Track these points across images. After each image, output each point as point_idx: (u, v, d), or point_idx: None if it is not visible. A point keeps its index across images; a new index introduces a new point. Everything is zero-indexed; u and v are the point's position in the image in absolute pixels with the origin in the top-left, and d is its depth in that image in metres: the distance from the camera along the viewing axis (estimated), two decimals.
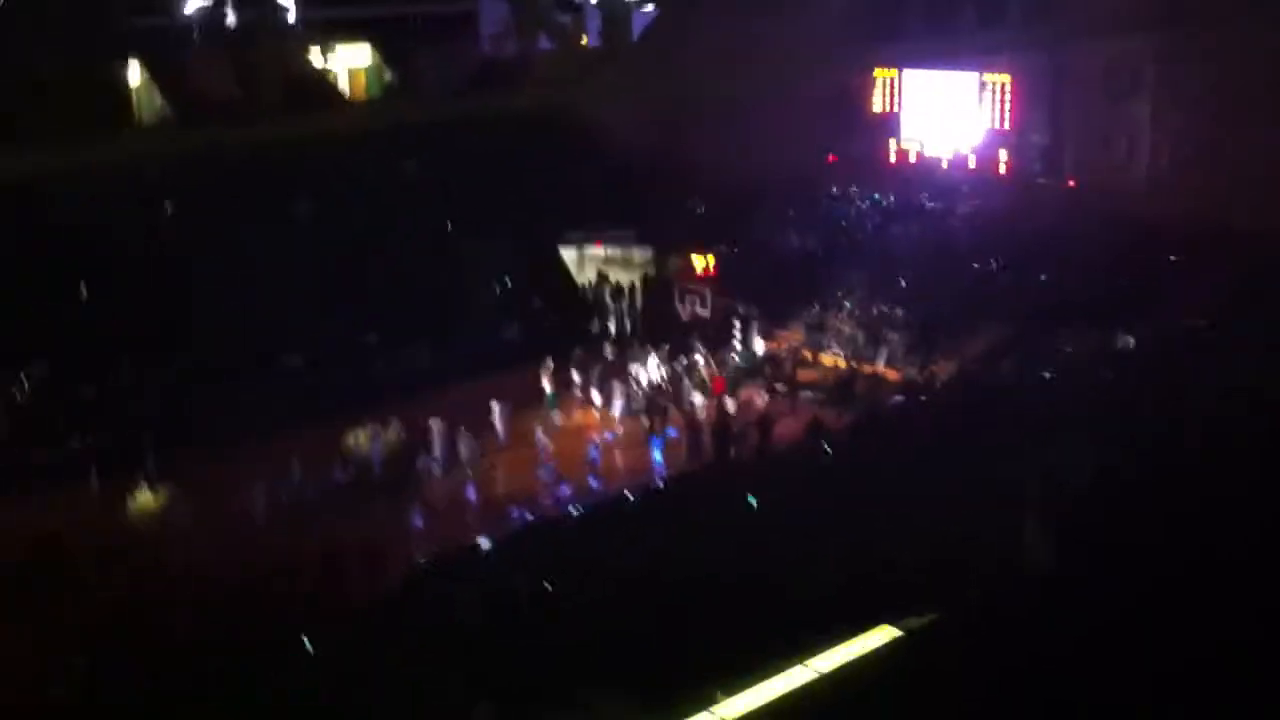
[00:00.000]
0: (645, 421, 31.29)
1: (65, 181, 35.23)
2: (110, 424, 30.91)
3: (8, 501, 27.22)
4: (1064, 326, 34.87)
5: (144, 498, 27.38)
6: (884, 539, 21.82)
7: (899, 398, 31.78)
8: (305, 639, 19.32)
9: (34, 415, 30.93)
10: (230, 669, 19.17)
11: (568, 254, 42.27)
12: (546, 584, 21.67)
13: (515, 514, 26.72)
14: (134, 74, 44.12)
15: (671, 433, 30.63)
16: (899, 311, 36.61)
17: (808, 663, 17.41)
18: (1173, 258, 37.99)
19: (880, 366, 33.86)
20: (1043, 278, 38.35)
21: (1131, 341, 34.05)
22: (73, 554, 24.76)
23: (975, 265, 39.77)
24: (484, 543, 24.66)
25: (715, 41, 46.45)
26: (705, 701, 16.18)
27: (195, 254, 36.10)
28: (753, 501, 25.06)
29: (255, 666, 19.12)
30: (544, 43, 52.60)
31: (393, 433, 30.17)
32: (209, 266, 35.81)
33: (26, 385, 31.38)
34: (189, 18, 46.76)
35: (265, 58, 43.71)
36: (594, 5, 53.55)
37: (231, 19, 46.54)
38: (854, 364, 34.02)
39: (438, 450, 29.74)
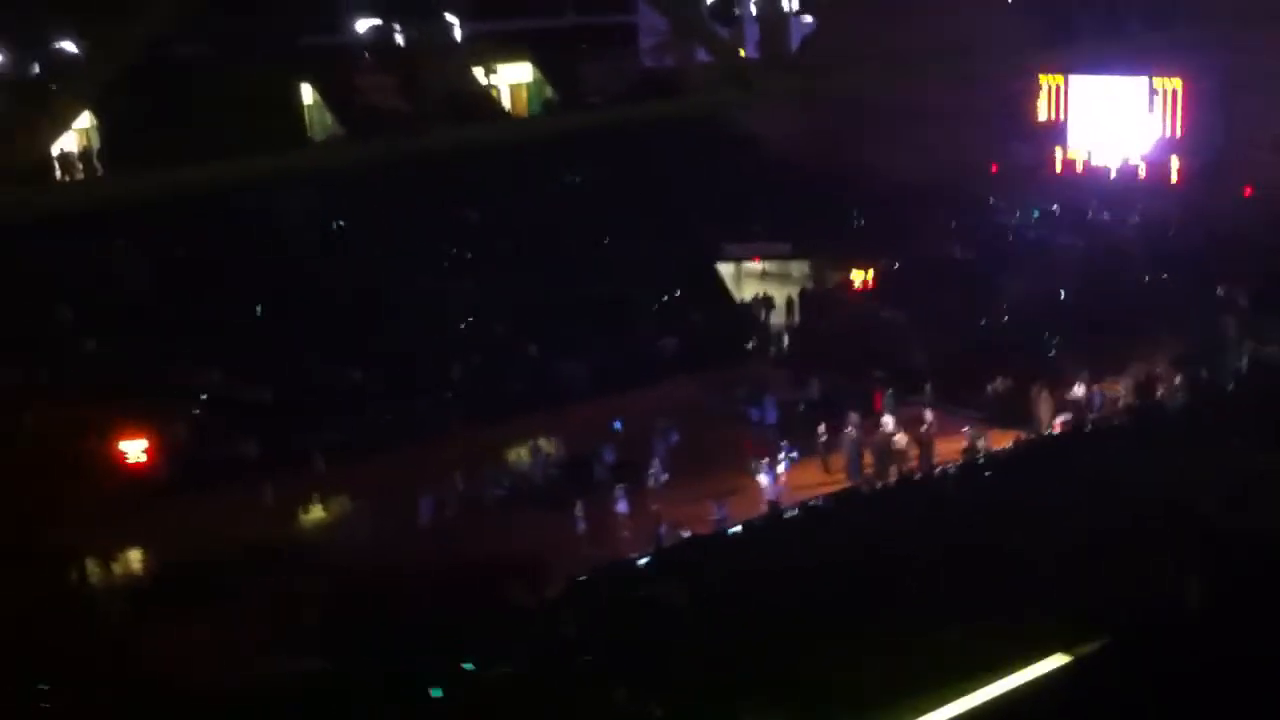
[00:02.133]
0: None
1: (240, 196, 36.48)
2: (283, 427, 31.90)
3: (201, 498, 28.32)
4: (1242, 341, 33.67)
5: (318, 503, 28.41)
6: (1050, 561, 21.35)
7: (1066, 416, 30.95)
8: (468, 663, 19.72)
9: (212, 418, 31.97)
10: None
11: (725, 268, 42.28)
12: (700, 600, 21.71)
13: (669, 529, 26.65)
14: (306, 92, 45.56)
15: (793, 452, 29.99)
16: (1066, 327, 35.68)
17: (976, 690, 17.12)
18: None
19: (1047, 383, 32.98)
20: (1217, 289, 37.01)
21: None
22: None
23: (1147, 278, 38.56)
24: (641, 557, 24.83)
25: (874, 49, 45.98)
26: None
27: (362, 266, 37.14)
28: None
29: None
30: (702, 54, 52.64)
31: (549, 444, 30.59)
32: (376, 278, 36.81)
33: (207, 392, 32.52)
34: (359, 36, 48.10)
35: (432, 74, 44.66)
36: (753, 16, 53.45)
37: (399, 37, 47.71)
38: (1019, 380, 33.17)
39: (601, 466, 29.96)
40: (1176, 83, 43.19)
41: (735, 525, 26.10)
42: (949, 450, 29.98)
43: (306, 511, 28.74)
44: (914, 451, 29.93)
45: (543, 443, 30.80)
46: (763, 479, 28.82)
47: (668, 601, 21.89)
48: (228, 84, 39.43)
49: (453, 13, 48.01)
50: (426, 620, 22.55)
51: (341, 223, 39.64)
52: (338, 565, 25.46)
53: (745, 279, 42.85)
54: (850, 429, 30.83)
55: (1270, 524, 21.92)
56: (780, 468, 29.11)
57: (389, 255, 38.13)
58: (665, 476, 29.15)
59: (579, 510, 27.57)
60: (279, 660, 21.39)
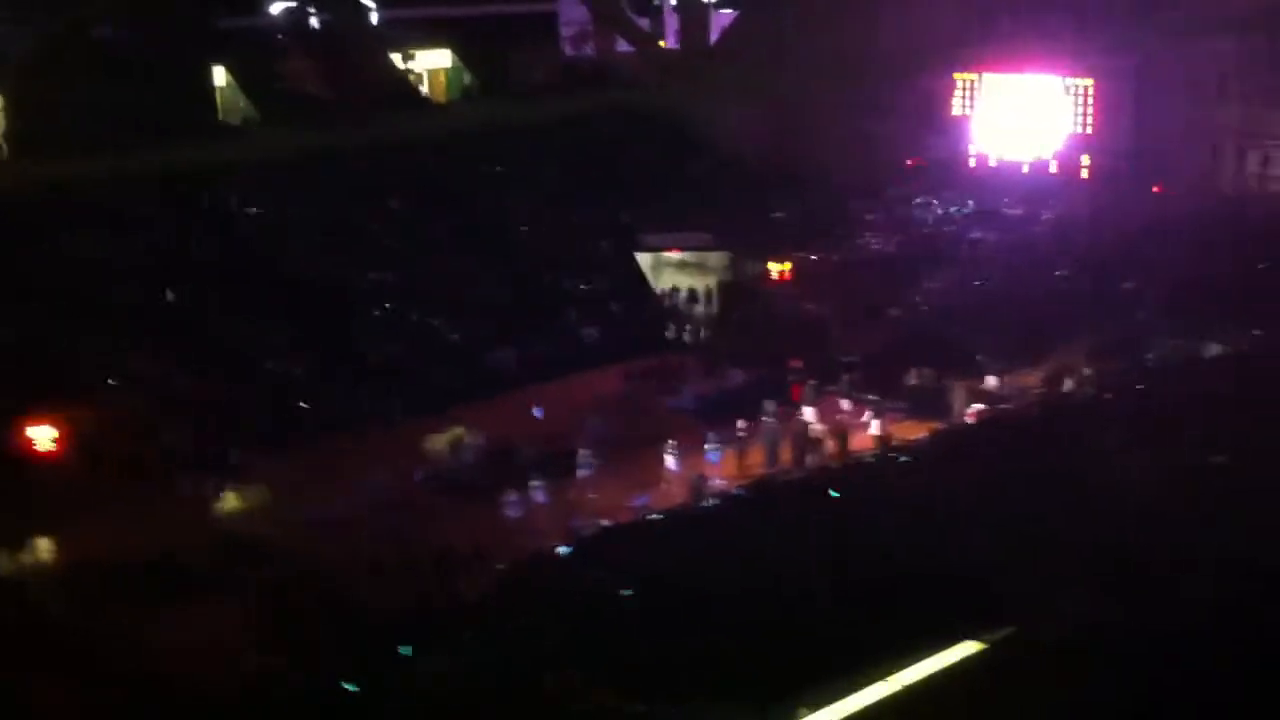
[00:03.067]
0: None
1: (152, 184, 35.84)
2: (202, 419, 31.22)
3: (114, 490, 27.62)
4: (1150, 334, 34.46)
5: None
6: (963, 551, 21.71)
7: (980, 406, 31.47)
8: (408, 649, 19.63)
9: (127, 408, 31.23)
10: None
11: (643, 258, 42.30)
12: (623, 590, 21.78)
13: (586, 519, 26.62)
14: (219, 75, 44.78)
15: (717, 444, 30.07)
16: (981, 319, 36.24)
17: (890, 677, 17.37)
18: (1261, 265, 37.37)
19: (961, 375, 33.50)
20: (1127, 284, 37.84)
21: (1219, 348, 33.62)
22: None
23: (1057, 272, 39.29)
24: (562, 548, 24.80)
25: (794, 44, 46.39)
26: (789, 718, 16.18)
27: (281, 254, 36.69)
28: (834, 494, 25.17)
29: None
30: (622, 44, 52.69)
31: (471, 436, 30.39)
32: (293, 267, 36.38)
33: (121, 380, 31.79)
34: (273, 19, 47.39)
35: (349, 59, 44.19)
36: (672, 6, 53.58)
37: (315, 21, 47.09)
38: (933, 372, 33.64)
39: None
40: (1088, 81, 44.02)
41: (656, 514, 26.24)
42: (865, 441, 30.34)
43: (226, 506, 28.22)
44: (831, 442, 30.21)
45: (464, 434, 30.60)
46: (670, 462, 28.98)
47: (589, 590, 21.96)
48: (140, 66, 38.62)
49: None
50: (357, 615, 22.34)
51: (255, 209, 39.00)
52: (259, 561, 25.04)
53: (664, 269, 42.87)
54: (768, 419, 31.08)
55: (1174, 511, 22.51)
56: (712, 457, 29.23)
57: (309, 244, 37.67)
58: (594, 464, 29.12)
59: (500, 501, 27.47)
60: (220, 660, 21.04)
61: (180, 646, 21.55)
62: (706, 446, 29.45)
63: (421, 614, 21.85)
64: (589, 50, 53.01)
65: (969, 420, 31.21)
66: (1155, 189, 42.72)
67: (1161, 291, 36.61)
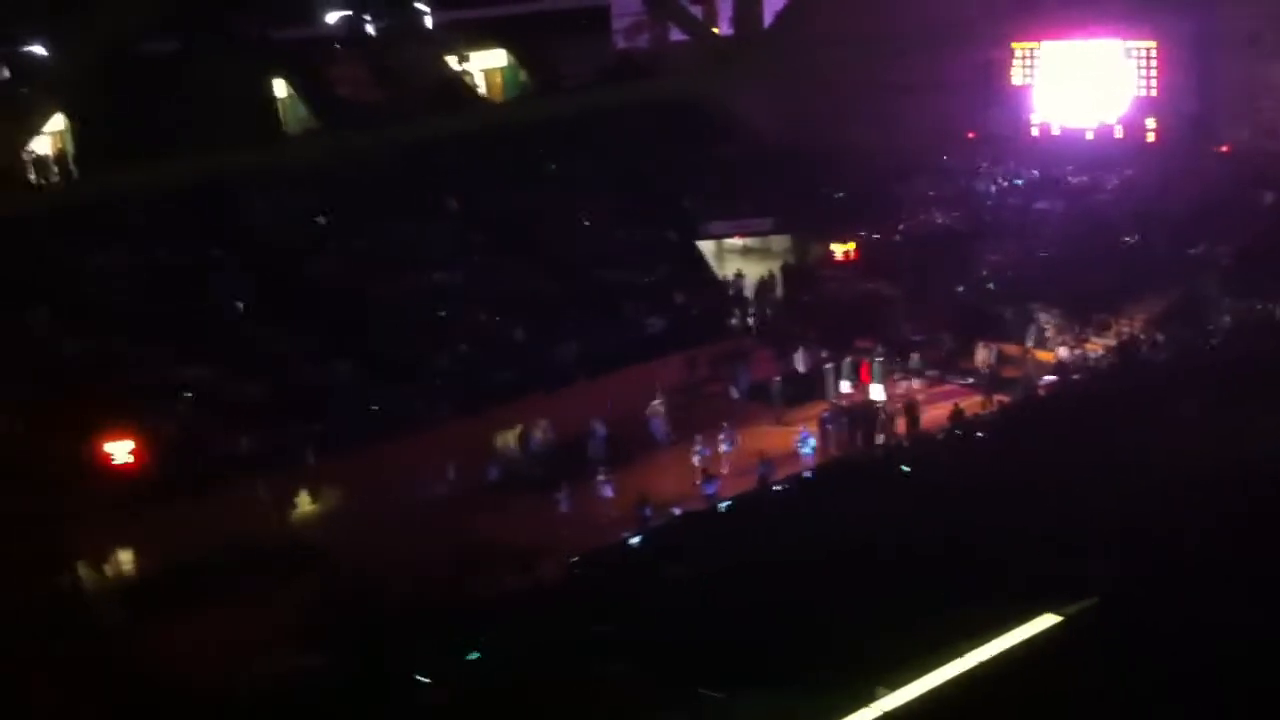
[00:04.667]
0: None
1: (220, 192, 36.35)
2: (274, 423, 31.67)
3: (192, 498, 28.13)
4: (1221, 298, 33.88)
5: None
6: (1039, 525, 21.52)
7: (1051, 378, 31.15)
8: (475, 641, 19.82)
9: (199, 417, 31.77)
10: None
11: (706, 246, 42.28)
12: (699, 575, 21.84)
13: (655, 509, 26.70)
14: (280, 86, 45.30)
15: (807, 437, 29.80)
16: (1048, 290, 35.83)
17: (969, 653, 17.28)
18: None
19: (1031, 347, 33.17)
20: (1195, 249, 37.21)
21: None
22: None
23: (1125, 239, 38.73)
24: (634, 537, 24.91)
25: (847, 23, 46.02)
26: (866, 698, 16.15)
27: (346, 258, 37.09)
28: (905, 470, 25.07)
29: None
30: (676, 33, 52.56)
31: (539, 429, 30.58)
32: (359, 271, 36.78)
33: (193, 390, 32.31)
34: (330, 28, 47.83)
35: (406, 63, 44.50)
36: None
37: (371, 28, 47.47)
38: (1004, 346, 33.34)
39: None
40: (1151, 44, 43.22)
41: (725, 500, 26.30)
42: (935, 417, 30.16)
43: (299, 508, 28.65)
44: (901, 419, 30.05)
45: (533, 428, 30.80)
46: (724, 448, 29.13)
47: (663, 579, 22.06)
48: (201, 80, 39.15)
49: (423, 1, 47.79)
50: (428, 611, 22.60)
51: (322, 217, 39.47)
52: (334, 560, 25.43)
53: (727, 256, 42.82)
54: (836, 400, 31.03)
55: (1253, 477, 22.14)
56: (805, 449, 29.18)
57: (372, 247, 38.05)
58: (707, 451, 29.09)
59: (568, 493, 27.63)
60: (281, 659, 21.40)
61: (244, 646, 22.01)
62: (797, 437, 29.35)
63: (486, 607, 22.05)
64: (643, 42, 52.92)
65: (1041, 392, 30.90)
66: (1223, 149, 41.91)
67: (1230, 254, 35.98)
